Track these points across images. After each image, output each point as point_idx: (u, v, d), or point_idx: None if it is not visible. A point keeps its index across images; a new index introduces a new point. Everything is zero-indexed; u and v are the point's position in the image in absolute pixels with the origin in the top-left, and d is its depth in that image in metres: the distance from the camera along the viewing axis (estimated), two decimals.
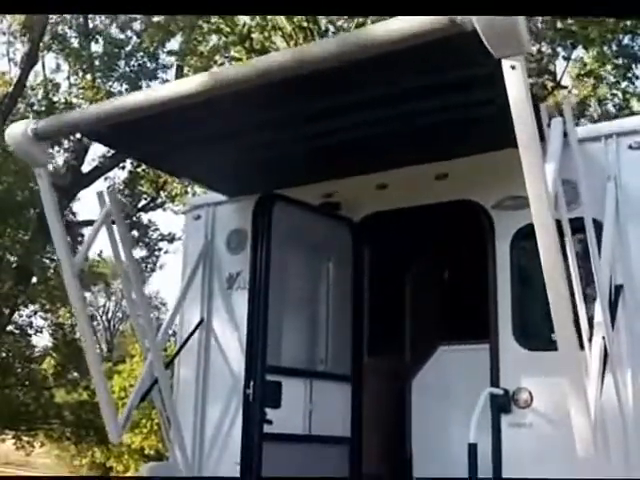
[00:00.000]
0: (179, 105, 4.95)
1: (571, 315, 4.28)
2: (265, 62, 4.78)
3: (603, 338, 5.07)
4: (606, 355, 5.05)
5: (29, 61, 21.48)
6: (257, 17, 20.71)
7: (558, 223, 4.83)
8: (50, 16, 21.67)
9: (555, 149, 5.02)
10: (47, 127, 5.55)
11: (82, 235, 21.97)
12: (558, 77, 21.21)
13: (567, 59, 21.10)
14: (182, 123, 5.56)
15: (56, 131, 5.96)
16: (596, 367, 4.88)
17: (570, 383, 4.36)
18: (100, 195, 6.54)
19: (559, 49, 20.66)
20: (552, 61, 20.96)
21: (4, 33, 22.95)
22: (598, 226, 5.53)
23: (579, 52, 20.60)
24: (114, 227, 6.64)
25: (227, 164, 6.69)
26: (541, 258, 4.16)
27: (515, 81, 3.89)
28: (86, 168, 22.62)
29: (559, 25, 19.09)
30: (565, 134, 5.41)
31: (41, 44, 21.71)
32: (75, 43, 22.59)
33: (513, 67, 3.85)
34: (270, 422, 6.06)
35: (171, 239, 25.45)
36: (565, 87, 22.22)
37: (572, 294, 5.03)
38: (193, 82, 4.99)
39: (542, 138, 4.80)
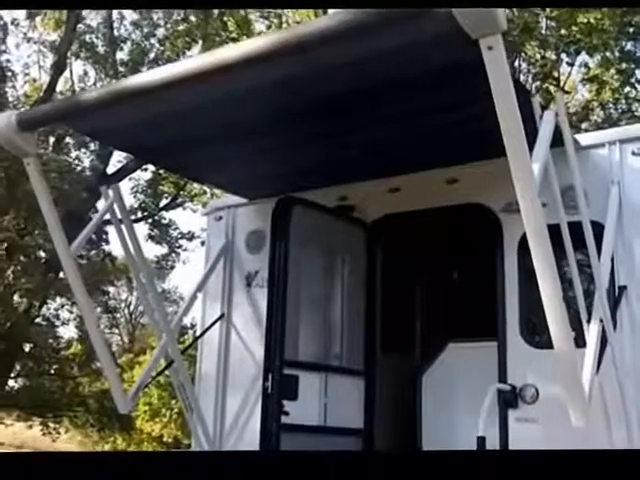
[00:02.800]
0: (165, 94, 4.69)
1: (565, 313, 4.26)
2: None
3: (601, 321, 5.12)
4: (604, 344, 5.13)
5: (58, 68, 21.56)
6: (273, 25, 20.76)
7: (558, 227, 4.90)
8: (78, 25, 21.78)
9: (544, 140, 4.78)
10: (31, 117, 5.40)
11: (106, 233, 22.04)
12: (562, 83, 21.17)
13: (571, 65, 21.07)
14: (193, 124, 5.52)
15: (40, 121, 5.69)
16: (592, 348, 4.90)
17: (564, 371, 4.38)
18: (104, 191, 6.48)
19: (563, 55, 20.62)
20: (556, 67, 20.91)
21: (35, 42, 23.06)
22: (602, 228, 5.55)
23: (584, 57, 20.58)
24: (122, 226, 6.62)
25: (247, 170, 6.72)
26: (532, 257, 4.13)
27: (494, 62, 3.64)
28: (111, 169, 22.71)
29: (563, 31, 19.07)
30: (557, 127, 5.14)
31: (69, 52, 21.81)
32: (101, 51, 22.68)
33: (490, 47, 3.59)
34: (287, 413, 6.09)
35: (190, 237, 25.49)
36: (568, 92, 22.16)
37: (574, 296, 5.08)
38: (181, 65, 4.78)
39: (535, 131, 4.73)
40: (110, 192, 6.46)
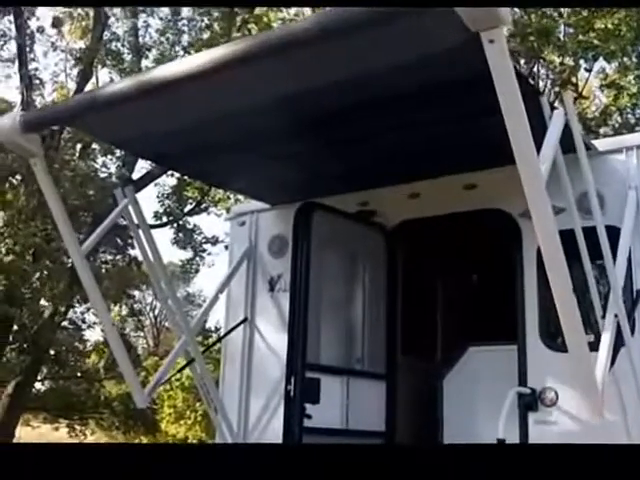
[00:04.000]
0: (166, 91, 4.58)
1: (577, 316, 4.26)
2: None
3: (616, 316, 5.11)
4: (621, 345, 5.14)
5: (84, 76, 21.70)
6: None
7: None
8: (105, 33, 21.95)
9: (552, 140, 4.60)
10: (34, 118, 5.37)
11: (131, 237, 22.11)
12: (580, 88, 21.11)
13: (589, 71, 20.99)
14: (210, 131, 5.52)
15: (43, 122, 5.61)
16: (605, 347, 4.89)
17: (579, 374, 4.38)
18: (118, 193, 6.42)
19: (581, 61, 20.55)
20: (574, 73, 20.84)
21: (62, 50, 23.21)
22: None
23: (602, 63, 20.52)
24: (140, 232, 6.60)
25: (269, 176, 6.77)
26: (544, 261, 4.12)
27: (496, 56, 3.48)
28: (136, 175, 22.79)
29: (580, 37, 19.02)
30: (567, 125, 4.97)
31: (95, 60, 21.95)
32: (127, 58, 22.81)
33: (492, 41, 3.44)
34: (309, 416, 6.11)
35: (214, 241, 25.53)
36: (587, 97, 22.09)
37: (590, 301, 5.09)
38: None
39: (544, 132, 4.64)
40: (123, 195, 6.41)
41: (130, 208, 6.43)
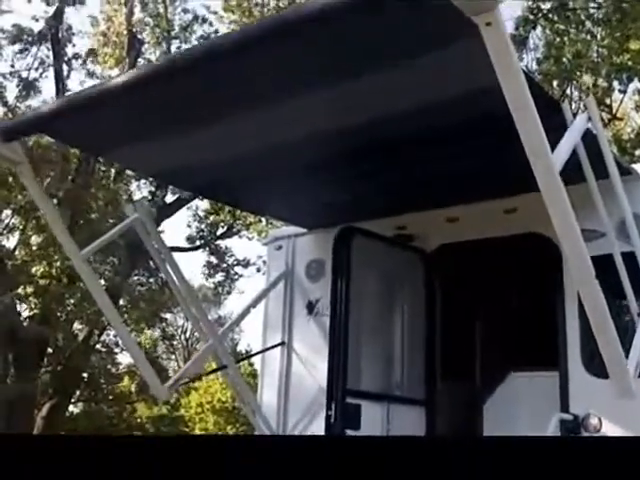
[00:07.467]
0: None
1: (616, 340, 4.23)
2: None
3: None
4: None
5: None
6: None
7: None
8: (142, 50, 22.34)
9: (572, 137, 4.32)
10: (13, 127, 5.37)
11: (163, 260, 22.17)
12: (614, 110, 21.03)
13: (623, 92, 20.91)
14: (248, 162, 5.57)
15: (21, 130, 5.49)
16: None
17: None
18: (129, 209, 6.37)
19: (615, 82, 20.49)
20: (608, 94, 20.77)
21: (97, 77, 23.48)
22: None
23: (636, 84, 20.45)
24: (160, 253, 6.61)
25: (307, 202, 6.81)
26: (577, 286, 4.11)
27: (494, 40, 3.32)
28: (169, 199, 22.95)
29: (614, 59, 18.98)
30: (589, 131, 4.75)
31: None
32: None
33: (489, 24, 3.25)
34: None
35: (246, 264, 25.59)
36: (621, 119, 21.99)
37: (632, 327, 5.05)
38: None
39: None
40: (134, 209, 6.36)
41: (143, 223, 6.35)
